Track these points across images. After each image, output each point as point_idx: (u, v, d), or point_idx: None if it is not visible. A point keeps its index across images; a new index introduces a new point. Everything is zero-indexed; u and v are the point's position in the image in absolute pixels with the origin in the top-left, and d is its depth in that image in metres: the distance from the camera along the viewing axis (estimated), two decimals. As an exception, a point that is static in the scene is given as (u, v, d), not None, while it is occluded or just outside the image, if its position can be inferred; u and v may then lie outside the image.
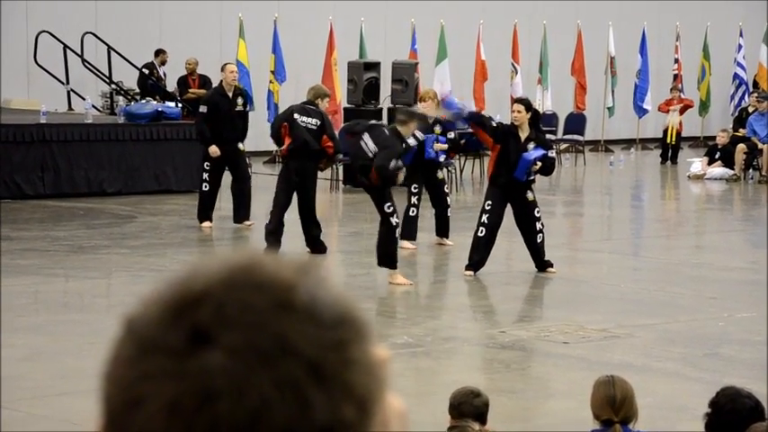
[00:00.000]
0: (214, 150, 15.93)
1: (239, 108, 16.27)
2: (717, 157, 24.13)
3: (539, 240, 13.20)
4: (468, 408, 5.62)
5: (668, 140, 26.64)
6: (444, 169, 16.16)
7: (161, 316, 1.06)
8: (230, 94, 16.25)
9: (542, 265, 13.28)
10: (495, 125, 13.18)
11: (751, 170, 24.03)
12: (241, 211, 16.23)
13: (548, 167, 13.17)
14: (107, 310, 11.37)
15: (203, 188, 16.16)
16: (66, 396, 8.45)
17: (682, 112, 27.17)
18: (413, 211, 14.80)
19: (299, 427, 1.03)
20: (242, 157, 16.43)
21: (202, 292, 1.06)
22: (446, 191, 15.35)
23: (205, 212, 16.16)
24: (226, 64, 17.07)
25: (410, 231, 14.68)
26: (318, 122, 14.39)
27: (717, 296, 12.36)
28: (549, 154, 13.20)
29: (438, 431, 6.03)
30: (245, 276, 1.07)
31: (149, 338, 1.06)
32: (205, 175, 16.12)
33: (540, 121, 14.34)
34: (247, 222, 16.17)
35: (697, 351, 10.13)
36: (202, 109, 16.19)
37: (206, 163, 16.11)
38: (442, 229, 15.16)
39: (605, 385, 5.56)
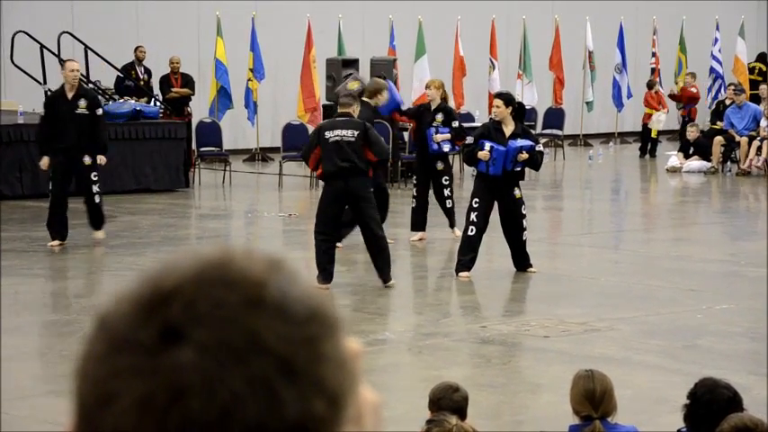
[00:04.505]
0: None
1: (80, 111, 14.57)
2: (691, 152, 24.21)
3: (523, 239, 13.06)
4: (448, 402, 5.62)
5: (653, 135, 26.71)
6: (450, 158, 16.24)
7: (132, 313, 1.07)
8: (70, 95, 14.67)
9: (523, 264, 13.13)
10: (473, 138, 13.16)
11: (729, 163, 24.12)
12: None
13: (536, 161, 13.05)
14: (88, 310, 11.34)
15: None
16: (49, 397, 8.44)
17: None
18: (413, 203, 15.30)
19: (271, 423, 1.04)
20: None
21: (173, 289, 1.07)
22: (445, 183, 15.33)
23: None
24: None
25: (416, 223, 15.26)
26: None
27: (696, 288, 12.40)
28: (537, 147, 13.12)
29: (415, 428, 6.04)
30: (216, 273, 1.08)
31: (121, 335, 1.07)
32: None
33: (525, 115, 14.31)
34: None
35: (676, 343, 10.16)
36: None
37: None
38: (451, 220, 15.39)
39: (584, 379, 5.55)
